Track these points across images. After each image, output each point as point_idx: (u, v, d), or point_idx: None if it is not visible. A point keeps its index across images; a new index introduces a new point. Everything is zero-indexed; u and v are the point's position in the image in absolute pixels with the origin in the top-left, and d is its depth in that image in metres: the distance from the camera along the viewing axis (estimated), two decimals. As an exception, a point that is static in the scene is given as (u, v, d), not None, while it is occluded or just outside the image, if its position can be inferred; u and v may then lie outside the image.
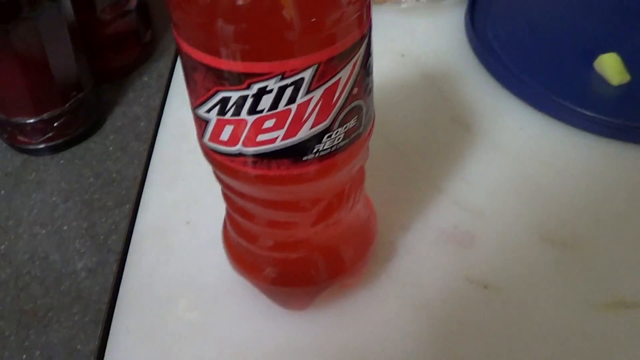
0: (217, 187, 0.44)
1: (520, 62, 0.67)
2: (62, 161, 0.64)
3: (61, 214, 0.59)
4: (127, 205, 0.59)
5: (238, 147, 0.36)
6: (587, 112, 0.61)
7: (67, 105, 0.63)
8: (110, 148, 0.65)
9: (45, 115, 0.62)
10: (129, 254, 0.55)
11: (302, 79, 0.33)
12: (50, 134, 0.63)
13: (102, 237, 0.56)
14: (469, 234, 0.54)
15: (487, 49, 0.69)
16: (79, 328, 0.51)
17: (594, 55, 0.66)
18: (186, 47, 0.34)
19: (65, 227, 0.58)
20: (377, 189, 0.51)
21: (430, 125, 0.64)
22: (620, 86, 0.64)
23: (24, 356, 0.49)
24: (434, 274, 0.51)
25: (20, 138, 0.63)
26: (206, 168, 0.42)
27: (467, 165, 0.59)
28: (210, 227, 0.52)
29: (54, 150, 0.64)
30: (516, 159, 0.60)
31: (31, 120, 0.62)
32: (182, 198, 0.58)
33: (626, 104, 0.63)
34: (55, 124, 0.63)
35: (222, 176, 0.40)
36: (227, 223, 0.47)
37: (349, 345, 0.48)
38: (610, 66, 0.65)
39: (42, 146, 0.64)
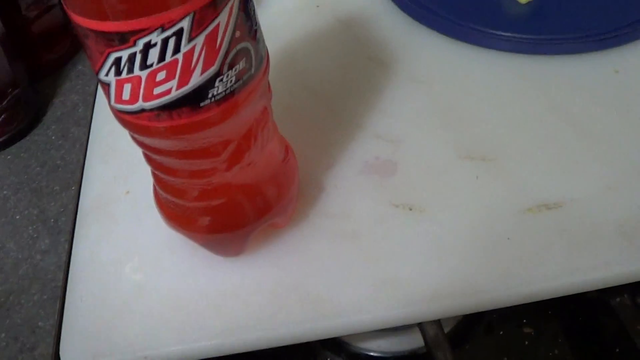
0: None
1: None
2: (9, 157, 0.65)
3: (13, 205, 0.61)
4: (73, 187, 0.61)
5: (139, 104, 0.38)
6: (497, 32, 0.63)
7: (5, 102, 0.64)
8: (53, 137, 0.66)
9: (-16, 115, 0.64)
10: (76, 230, 0.57)
11: (182, 29, 0.35)
12: (-7, 133, 0.65)
13: (52, 220, 0.58)
14: (391, 162, 0.56)
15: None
16: (39, 307, 0.53)
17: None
18: (75, 17, 0.36)
19: (17, 217, 0.60)
20: (301, 133, 0.54)
21: (348, 67, 0.66)
22: (528, 3, 0.67)
23: (-9, 341, 0.52)
24: (361, 203, 0.54)
25: (-35, 141, 0.65)
26: (136, 139, 0.44)
27: (385, 99, 0.61)
28: (148, 193, 0.53)
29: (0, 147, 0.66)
30: (431, 86, 0.62)
31: (-28, 122, 0.64)
32: (120, 171, 0.61)
33: (535, 19, 0.65)
34: (-4, 122, 0.65)
35: (135, 135, 0.42)
36: (155, 183, 0.49)
37: (286, 281, 0.50)
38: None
39: (-13, 145, 0.66)
